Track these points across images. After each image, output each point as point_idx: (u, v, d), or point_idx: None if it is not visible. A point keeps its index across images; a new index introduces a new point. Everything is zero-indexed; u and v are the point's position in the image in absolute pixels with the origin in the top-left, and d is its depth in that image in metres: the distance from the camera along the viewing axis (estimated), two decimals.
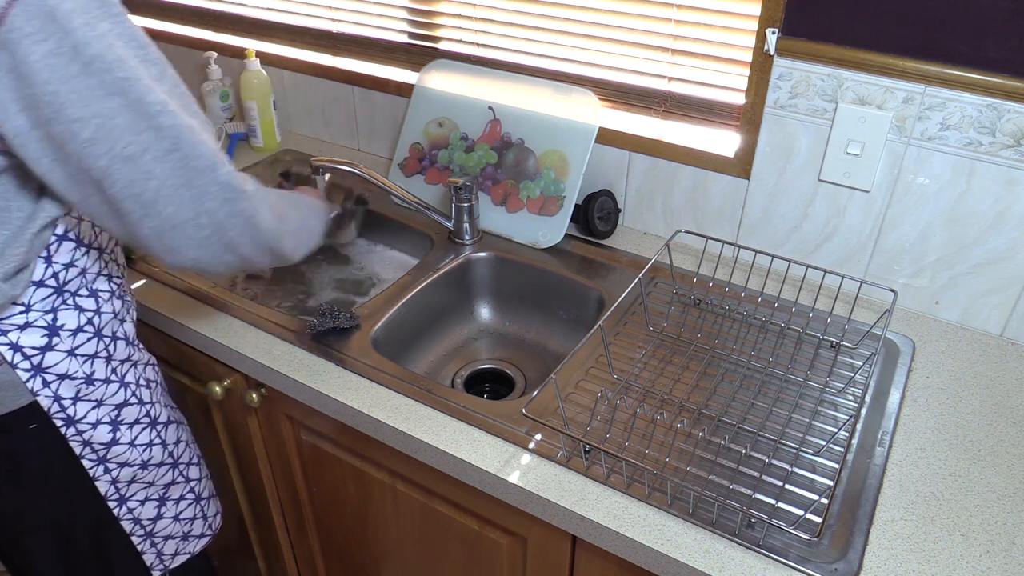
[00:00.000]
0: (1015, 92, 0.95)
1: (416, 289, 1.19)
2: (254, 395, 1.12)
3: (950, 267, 1.09)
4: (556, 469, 0.88)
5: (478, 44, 1.38)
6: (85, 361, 0.91)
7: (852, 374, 1.01)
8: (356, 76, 1.53)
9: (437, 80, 1.41)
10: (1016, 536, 0.81)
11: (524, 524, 0.93)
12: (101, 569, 1.02)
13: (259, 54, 1.59)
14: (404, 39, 1.46)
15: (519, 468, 0.88)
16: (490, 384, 1.24)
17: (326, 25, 1.54)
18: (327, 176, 1.24)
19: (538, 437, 0.92)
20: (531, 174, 1.31)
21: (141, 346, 1.01)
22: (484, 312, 1.33)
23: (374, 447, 1.02)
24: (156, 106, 0.73)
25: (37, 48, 0.67)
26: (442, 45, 1.42)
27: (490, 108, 1.35)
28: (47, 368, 0.87)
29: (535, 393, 0.90)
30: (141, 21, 1.81)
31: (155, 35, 1.78)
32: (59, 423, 0.90)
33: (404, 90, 1.47)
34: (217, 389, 1.14)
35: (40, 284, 0.85)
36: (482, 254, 1.29)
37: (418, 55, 1.45)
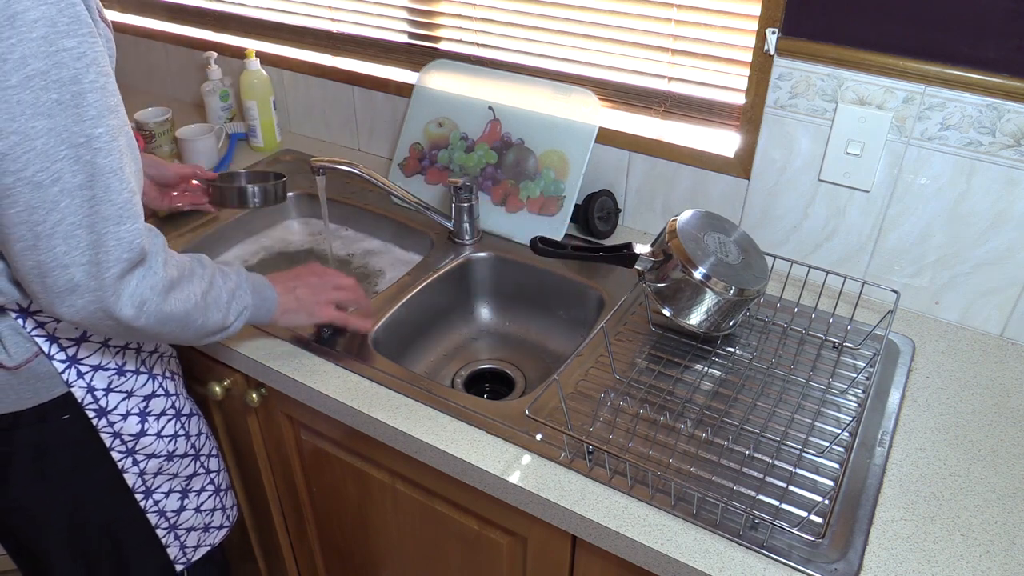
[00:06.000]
0: (1015, 92, 0.95)
1: (416, 289, 1.19)
2: (254, 395, 1.12)
3: (950, 267, 1.09)
4: (556, 469, 0.88)
5: (478, 44, 1.38)
6: (117, 352, 0.92)
7: (855, 375, 1.01)
8: (356, 76, 1.53)
9: (437, 80, 1.41)
10: (1016, 536, 0.81)
11: (524, 524, 0.93)
12: (117, 565, 1.03)
13: (259, 54, 1.59)
14: (404, 39, 1.46)
15: (519, 468, 0.88)
16: (490, 384, 1.24)
17: (326, 25, 1.54)
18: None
19: (538, 437, 0.92)
20: (531, 174, 1.31)
21: None
22: (484, 312, 1.33)
23: (374, 447, 1.02)
24: (80, 138, 0.70)
25: None
26: (442, 45, 1.42)
27: (490, 108, 1.35)
28: (81, 359, 0.89)
29: (539, 394, 0.90)
30: (141, 21, 1.81)
31: (155, 35, 1.79)
32: (91, 414, 0.91)
33: (404, 90, 1.47)
34: (217, 389, 1.14)
35: None
36: (482, 254, 1.29)
37: (418, 55, 1.45)
